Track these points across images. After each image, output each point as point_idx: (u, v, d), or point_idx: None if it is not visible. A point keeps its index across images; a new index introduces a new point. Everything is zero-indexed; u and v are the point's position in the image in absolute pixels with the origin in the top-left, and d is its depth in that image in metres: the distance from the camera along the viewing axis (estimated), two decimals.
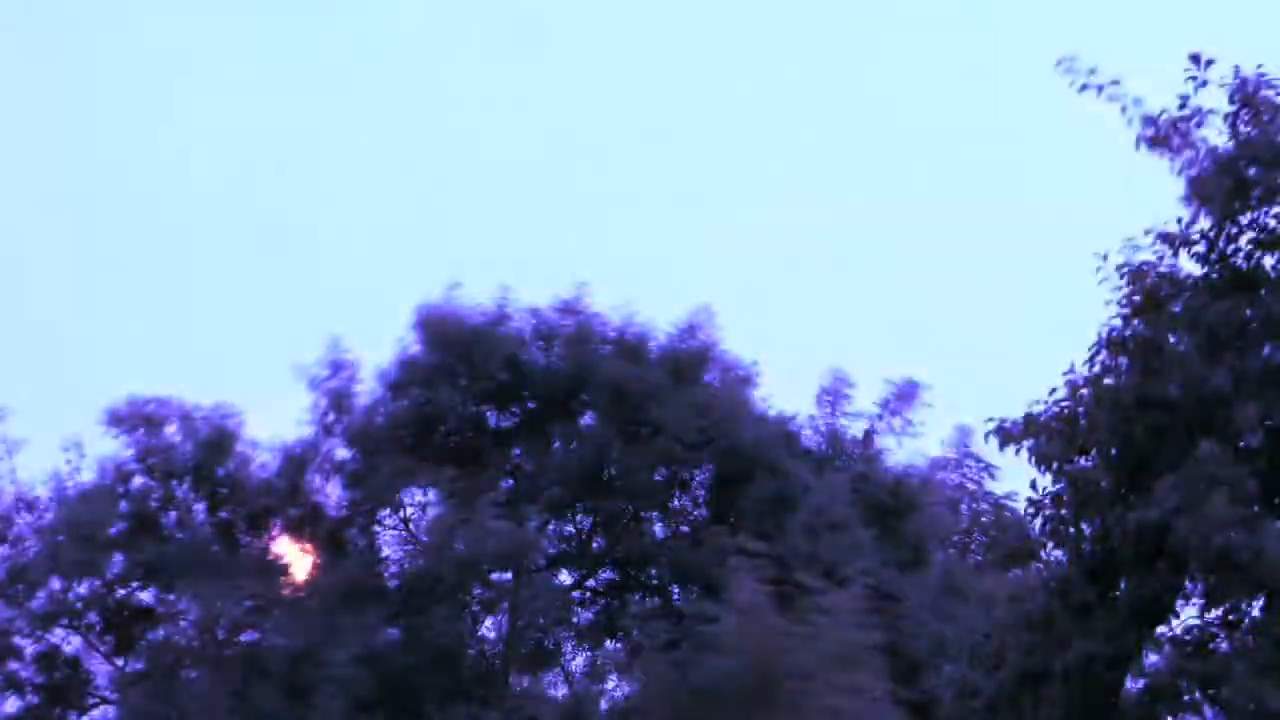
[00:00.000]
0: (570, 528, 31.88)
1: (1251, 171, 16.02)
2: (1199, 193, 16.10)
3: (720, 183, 71.30)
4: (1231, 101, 16.26)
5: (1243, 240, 16.25)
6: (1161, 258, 16.52)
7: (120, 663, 31.60)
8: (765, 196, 70.69)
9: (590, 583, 31.70)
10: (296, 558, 31.55)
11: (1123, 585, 16.40)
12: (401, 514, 31.67)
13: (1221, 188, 15.99)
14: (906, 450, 31.84)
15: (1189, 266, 16.49)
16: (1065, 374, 16.68)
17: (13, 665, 31.26)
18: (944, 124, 71.01)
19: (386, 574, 30.90)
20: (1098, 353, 16.62)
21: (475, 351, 31.18)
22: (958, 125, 71.09)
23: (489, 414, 31.87)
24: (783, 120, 71.41)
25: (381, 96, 73.42)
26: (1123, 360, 16.48)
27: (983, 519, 29.79)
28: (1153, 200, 16.99)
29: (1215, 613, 16.42)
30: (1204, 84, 16.30)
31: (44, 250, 68.05)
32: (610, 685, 30.65)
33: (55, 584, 31.36)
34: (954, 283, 67.77)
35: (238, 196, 70.65)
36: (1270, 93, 16.17)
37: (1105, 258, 16.66)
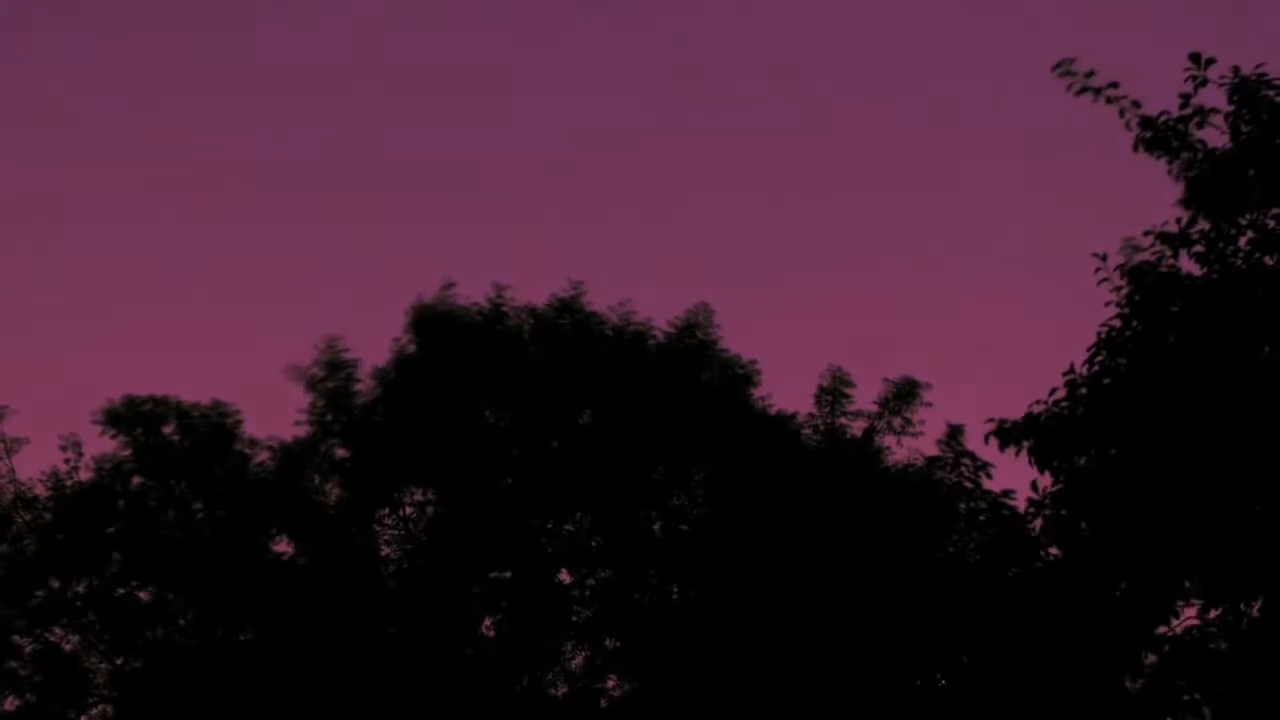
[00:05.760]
0: (569, 526, 31.86)
1: (1251, 172, 16.04)
2: (1198, 194, 16.14)
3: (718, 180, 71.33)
4: (1231, 101, 16.29)
5: (1242, 241, 16.28)
6: (1161, 258, 16.54)
7: (119, 661, 31.59)
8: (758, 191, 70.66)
9: (589, 581, 31.68)
10: (295, 556, 31.55)
11: (1122, 585, 16.43)
12: (400, 513, 31.66)
13: (1221, 189, 16.03)
14: (905, 449, 31.82)
15: (1189, 267, 16.54)
16: (1065, 374, 16.71)
17: (11, 663, 31.24)
18: (943, 121, 71.01)
19: (385, 573, 30.88)
20: (1098, 353, 16.64)
21: (473, 350, 31.20)
22: (957, 120, 71.10)
23: (487, 413, 31.86)
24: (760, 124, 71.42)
25: (381, 94, 73.42)
26: (1122, 361, 16.50)
27: (980, 517, 29.62)
28: (1151, 201, 17.06)
29: (1215, 613, 16.43)
30: (1204, 83, 16.34)
31: (44, 250, 68.06)
32: (610, 684, 30.65)
33: (54, 582, 31.37)
34: (953, 283, 67.82)
35: (244, 197, 70.69)
36: (1270, 93, 16.19)
37: (1105, 258, 16.70)
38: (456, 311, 31.73)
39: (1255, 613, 16.12)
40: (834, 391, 31.80)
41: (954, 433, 30.83)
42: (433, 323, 31.62)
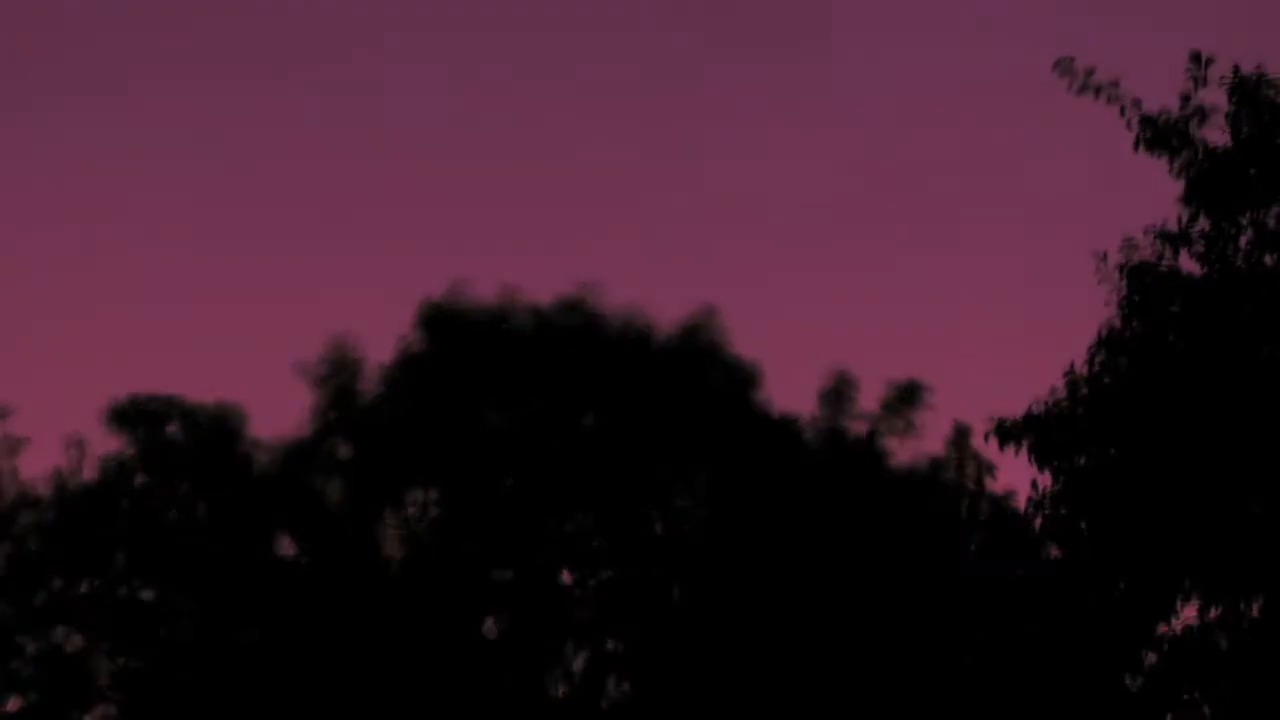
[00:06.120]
0: (571, 526, 31.83)
1: (1251, 171, 16.05)
2: (1198, 192, 16.14)
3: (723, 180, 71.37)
4: (1231, 100, 16.30)
5: (1242, 240, 16.28)
6: (1161, 258, 16.55)
7: (122, 661, 31.59)
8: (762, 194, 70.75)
9: (591, 581, 31.66)
10: (298, 556, 31.54)
11: (1122, 585, 16.42)
12: (403, 512, 31.65)
13: (1221, 187, 16.04)
14: (909, 451, 31.75)
15: (1189, 266, 16.54)
16: (1065, 373, 16.71)
17: (14, 664, 31.25)
18: (943, 120, 71.00)
19: (387, 573, 30.87)
20: (1097, 352, 16.64)
21: (478, 349, 31.19)
22: (957, 120, 71.08)
23: (490, 412, 31.84)
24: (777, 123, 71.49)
25: (383, 92, 73.44)
26: (1122, 360, 16.50)
27: (981, 518, 29.69)
28: (1151, 200, 17.06)
29: (1215, 612, 16.42)
30: (1204, 83, 16.36)
31: (47, 247, 68.14)
32: (610, 684, 30.64)
33: (57, 582, 31.38)
34: (954, 282, 67.80)
35: (242, 196, 70.76)
36: (1270, 92, 16.20)
37: (1105, 257, 16.70)
38: (463, 310, 31.71)
39: (1255, 612, 16.10)
40: (837, 393, 31.77)
41: (961, 434, 30.78)
42: (439, 321, 31.61)
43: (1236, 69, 16.22)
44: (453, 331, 31.43)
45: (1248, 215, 16.16)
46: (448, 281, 32.06)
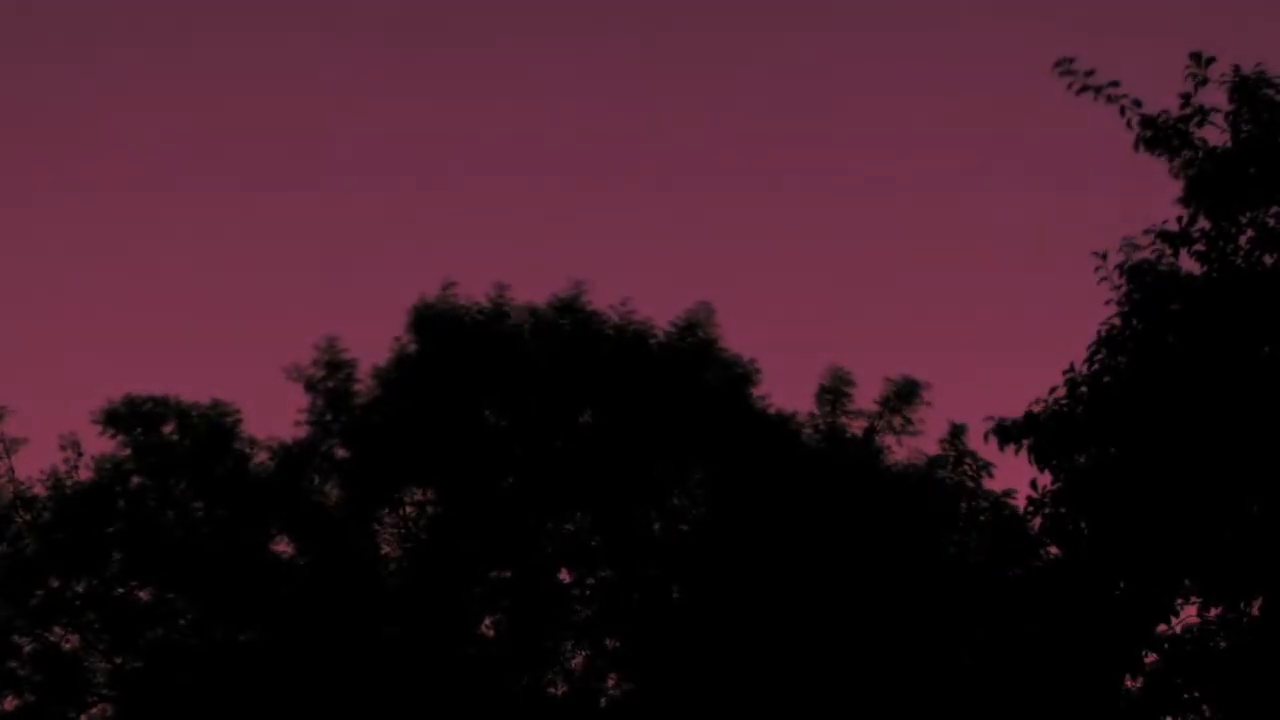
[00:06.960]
0: (569, 525, 31.82)
1: (1251, 170, 16.06)
2: (1198, 192, 16.16)
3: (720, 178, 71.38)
4: (1232, 100, 16.31)
5: (1242, 239, 16.30)
6: (1161, 257, 16.56)
7: (118, 661, 31.57)
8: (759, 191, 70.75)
9: (589, 581, 31.64)
10: (295, 557, 31.52)
11: (1122, 585, 16.43)
12: (400, 513, 31.64)
13: (1221, 187, 16.05)
14: (906, 449, 31.74)
15: (1189, 266, 16.56)
16: (1065, 373, 16.73)
17: (11, 663, 31.21)
18: (943, 120, 71.06)
19: (385, 573, 30.86)
20: (1097, 352, 16.65)
21: (473, 350, 31.17)
22: (957, 119, 71.14)
23: (487, 412, 31.82)
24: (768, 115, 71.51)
25: (382, 91, 73.44)
26: (1122, 360, 16.52)
27: (980, 517, 29.68)
28: (1151, 200, 17.10)
29: (1215, 611, 16.44)
30: (1204, 82, 16.37)
31: (43, 249, 68.12)
32: (610, 684, 30.63)
33: (53, 582, 31.35)
34: (954, 282, 67.86)
35: (237, 194, 70.75)
36: (1271, 91, 16.21)
37: (1105, 257, 16.72)
38: (457, 311, 31.70)
39: (1255, 612, 16.12)
40: (834, 391, 31.72)
41: (957, 432, 30.74)
42: (433, 322, 31.58)
43: (1237, 68, 16.24)
44: (447, 332, 31.40)
45: (1248, 215, 16.17)
46: (440, 282, 32.12)
